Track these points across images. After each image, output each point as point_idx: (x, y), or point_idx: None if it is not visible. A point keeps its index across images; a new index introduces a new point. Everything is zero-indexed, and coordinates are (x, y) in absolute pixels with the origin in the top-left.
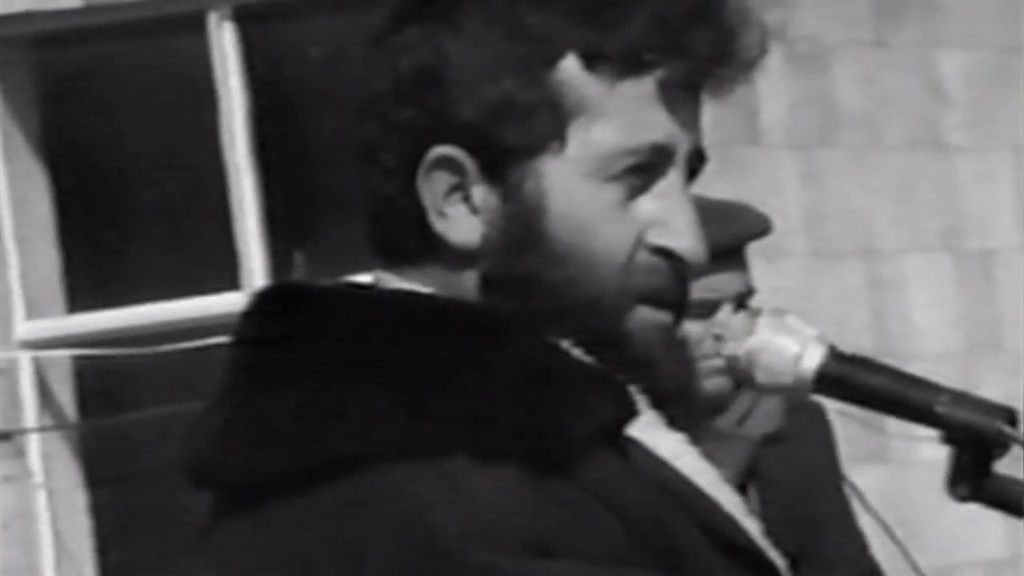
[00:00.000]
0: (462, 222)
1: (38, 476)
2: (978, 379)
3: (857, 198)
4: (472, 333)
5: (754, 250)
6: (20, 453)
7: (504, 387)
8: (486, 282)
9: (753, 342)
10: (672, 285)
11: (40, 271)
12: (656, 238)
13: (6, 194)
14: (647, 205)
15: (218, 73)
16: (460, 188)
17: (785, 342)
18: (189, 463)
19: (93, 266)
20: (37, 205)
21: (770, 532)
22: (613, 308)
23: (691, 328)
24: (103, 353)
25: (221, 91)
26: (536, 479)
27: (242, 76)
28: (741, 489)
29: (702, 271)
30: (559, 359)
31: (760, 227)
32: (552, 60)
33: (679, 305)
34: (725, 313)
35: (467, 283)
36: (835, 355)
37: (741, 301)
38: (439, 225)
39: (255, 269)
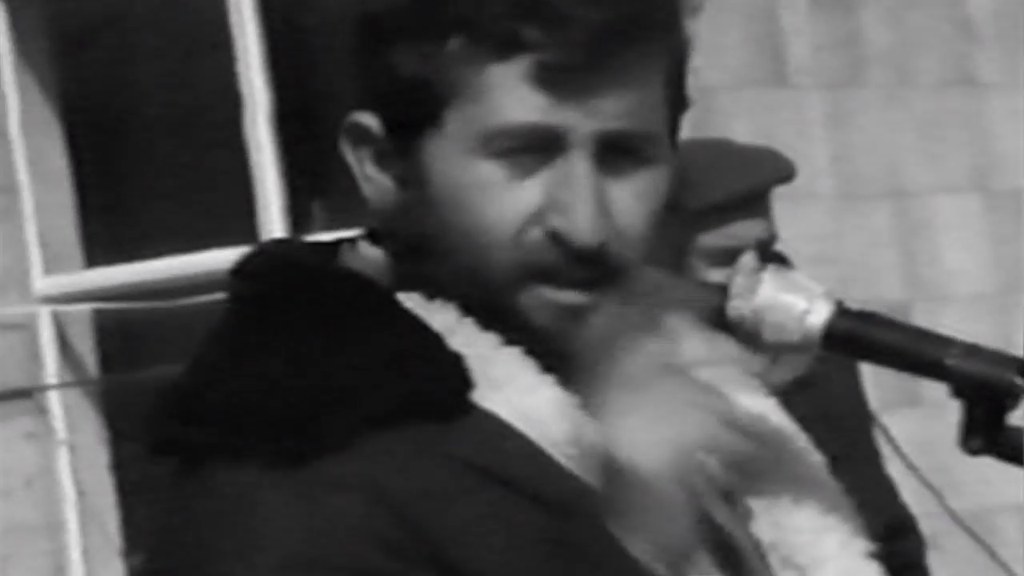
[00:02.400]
0: (381, 186)
1: (60, 433)
2: (1011, 320)
3: (885, 139)
4: (304, 312)
5: (779, 194)
6: (41, 410)
7: (277, 376)
8: (397, 246)
9: (759, 300)
10: (566, 266)
11: (57, 225)
12: (551, 219)
13: (22, 149)
14: (537, 185)
15: (234, 22)
16: (377, 155)
17: (791, 299)
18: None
19: (111, 220)
20: (53, 159)
21: None
22: (504, 282)
23: (714, 277)
24: (122, 307)
25: (238, 40)
26: (280, 475)
27: (259, 25)
28: None
29: (593, 257)
30: (374, 341)
31: (783, 173)
32: (442, 37)
33: (589, 284)
34: (747, 260)
35: (388, 245)
36: (842, 311)
37: (763, 248)
38: (365, 188)
39: (273, 221)
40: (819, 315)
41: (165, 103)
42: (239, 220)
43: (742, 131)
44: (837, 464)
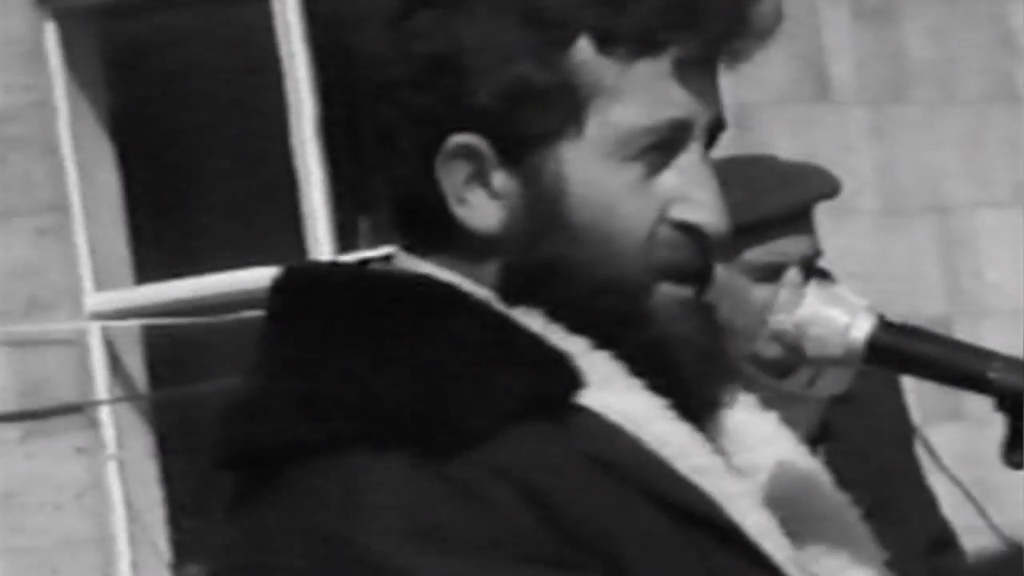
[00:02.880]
0: (482, 208)
1: (110, 447)
2: None
3: (928, 154)
4: (404, 313)
5: (822, 209)
6: (92, 424)
7: (410, 371)
8: (508, 268)
9: (801, 314)
10: (694, 258)
11: (108, 242)
12: (678, 213)
13: (73, 166)
14: (668, 180)
15: (282, 42)
16: (479, 175)
17: (834, 313)
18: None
19: (161, 236)
20: (104, 176)
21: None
22: (635, 287)
23: (758, 292)
24: (172, 323)
25: (285, 60)
26: (432, 465)
27: (306, 45)
28: (811, 450)
29: (726, 245)
30: (490, 336)
31: (828, 188)
32: (566, 43)
33: (702, 277)
34: (793, 276)
35: (489, 269)
36: (884, 325)
37: (808, 264)
38: (460, 212)
39: (321, 237)
40: (862, 328)
41: (214, 121)
42: (287, 236)
43: (785, 147)
44: (880, 478)
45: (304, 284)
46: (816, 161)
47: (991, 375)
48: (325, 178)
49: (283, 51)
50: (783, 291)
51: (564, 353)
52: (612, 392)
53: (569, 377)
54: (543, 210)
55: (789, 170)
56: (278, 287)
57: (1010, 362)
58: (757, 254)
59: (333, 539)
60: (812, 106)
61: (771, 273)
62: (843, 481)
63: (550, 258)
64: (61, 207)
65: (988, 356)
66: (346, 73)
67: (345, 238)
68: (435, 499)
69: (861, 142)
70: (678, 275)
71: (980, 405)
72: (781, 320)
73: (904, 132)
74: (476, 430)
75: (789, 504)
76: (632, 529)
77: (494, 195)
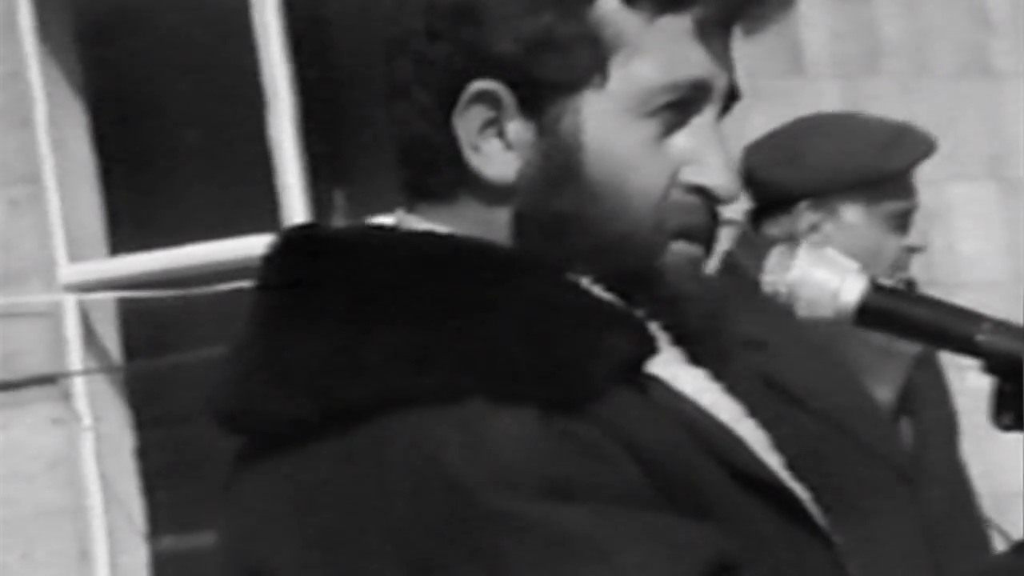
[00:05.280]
0: (497, 157)
1: (85, 419)
2: None
3: None
4: (488, 273)
5: None
6: (66, 396)
7: (520, 327)
8: (520, 219)
9: (793, 276)
10: (705, 222)
11: (82, 214)
12: (690, 175)
13: (46, 137)
14: (682, 142)
15: (256, 13)
16: (495, 123)
17: (825, 275)
18: (218, 409)
19: (135, 208)
20: (78, 148)
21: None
22: (647, 245)
23: (891, 242)
24: (147, 295)
25: (260, 30)
26: (553, 420)
27: (281, 15)
28: (898, 413)
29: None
30: (577, 297)
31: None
32: None
33: (711, 238)
34: (918, 228)
35: (501, 220)
36: (875, 287)
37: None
38: (474, 160)
39: (295, 209)
40: (853, 291)
41: (189, 93)
42: (262, 208)
43: (759, 120)
44: (953, 443)
45: (336, 246)
46: None
47: (979, 338)
48: (300, 150)
49: (257, 23)
50: (774, 252)
51: (642, 318)
52: (661, 362)
53: (651, 341)
54: (559, 162)
55: (898, 127)
56: (289, 250)
57: (998, 325)
58: (899, 205)
59: (452, 483)
60: (786, 80)
61: (904, 223)
62: (931, 454)
63: (564, 211)
64: (34, 178)
65: (977, 319)
66: (321, 44)
67: (320, 210)
68: (558, 452)
69: None
70: (689, 236)
71: (952, 376)
72: (772, 281)
73: (877, 105)
74: (592, 388)
75: None
76: (715, 490)
77: (509, 145)
